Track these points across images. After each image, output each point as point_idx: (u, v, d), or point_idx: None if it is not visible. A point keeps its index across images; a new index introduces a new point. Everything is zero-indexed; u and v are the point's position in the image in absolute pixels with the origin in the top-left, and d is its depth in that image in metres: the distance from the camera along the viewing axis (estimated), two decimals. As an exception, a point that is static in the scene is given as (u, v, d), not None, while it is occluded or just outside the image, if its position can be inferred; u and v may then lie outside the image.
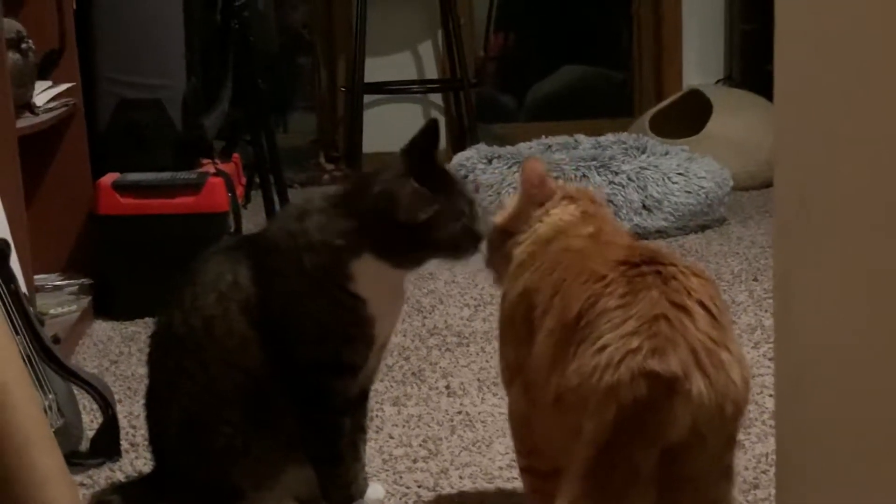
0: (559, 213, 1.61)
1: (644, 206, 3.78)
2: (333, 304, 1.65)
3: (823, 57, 1.20)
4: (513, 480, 1.93)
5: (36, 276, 2.89)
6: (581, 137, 4.43)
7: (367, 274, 1.64)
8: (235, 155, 3.58)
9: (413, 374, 2.51)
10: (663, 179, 3.83)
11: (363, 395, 1.78)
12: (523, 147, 4.35)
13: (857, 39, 1.14)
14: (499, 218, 1.69)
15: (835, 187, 1.18)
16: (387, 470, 2.01)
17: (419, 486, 1.94)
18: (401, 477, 1.98)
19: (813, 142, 1.22)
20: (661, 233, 3.79)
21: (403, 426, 2.21)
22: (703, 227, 3.89)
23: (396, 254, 1.65)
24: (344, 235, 1.63)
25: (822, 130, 1.20)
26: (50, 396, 2.01)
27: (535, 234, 1.61)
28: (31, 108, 2.77)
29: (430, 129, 1.68)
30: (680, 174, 3.87)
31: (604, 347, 1.29)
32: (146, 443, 1.86)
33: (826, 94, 1.20)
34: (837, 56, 1.18)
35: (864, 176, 1.13)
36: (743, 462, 1.95)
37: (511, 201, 1.70)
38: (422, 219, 1.62)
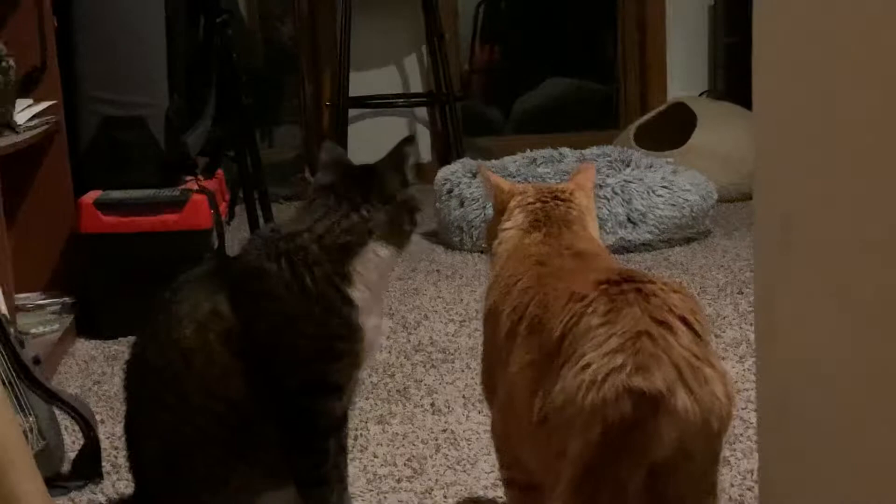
0: (510, 227, 1.67)
1: (629, 220, 3.78)
2: (328, 314, 1.65)
3: (802, 76, 1.20)
4: (498, 500, 1.92)
5: (18, 295, 2.88)
6: (566, 151, 4.43)
7: (366, 271, 1.67)
8: (219, 171, 3.57)
9: (398, 391, 2.50)
10: (648, 192, 3.83)
11: (344, 416, 1.78)
12: (508, 160, 4.34)
13: (837, 55, 1.14)
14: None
15: (815, 204, 1.18)
16: (371, 490, 2.00)
17: (404, 506, 1.93)
18: (385, 497, 1.97)
19: (793, 159, 1.22)
20: (646, 246, 3.79)
21: (388, 445, 2.20)
22: (687, 240, 3.89)
23: (398, 227, 1.71)
24: (350, 231, 1.67)
25: (801, 148, 1.20)
26: (31, 419, 2.00)
27: (497, 254, 1.67)
28: (13, 127, 2.76)
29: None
30: (664, 187, 3.87)
31: (587, 366, 1.29)
32: (128, 464, 1.85)
33: (805, 113, 1.20)
34: (817, 74, 1.18)
35: (845, 193, 1.13)
36: (728, 479, 1.94)
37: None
38: (411, 178, 1.75)
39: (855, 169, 1.11)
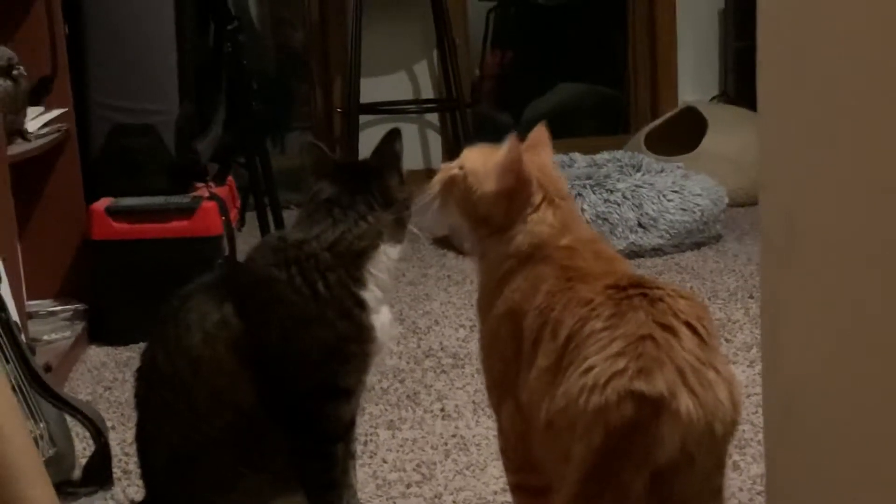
0: (538, 222, 1.56)
1: (640, 224, 3.77)
2: (341, 316, 1.67)
3: (807, 80, 1.20)
4: (507, 504, 1.92)
5: (29, 302, 2.89)
6: (576, 156, 4.43)
7: (379, 272, 1.70)
8: (230, 178, 3.57)
9: (408, 396, 2.51)
10: (658, 197, 3.82)
11: (352, 421, 1.78)
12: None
13: (841, 58, 1.13)
14: (474, 178, 1.60)
15: (819, 210, 1.18)
16: (381, 496, 2.00)
17: (413, 511, 1.93)
18: (395, 502, 1.97)
19: (798, 165, 1.22)
20: (656, 251, 3.79)
21: (398, 450, 2.20)
22: (698, 245, 3.88)
23: (402, 224, 1.74)
24: (362, 237, 1.69)
25: (806, 154, 1.20)
26: (41, 425, 2.00)
27: (513, 246, 1.56)
28: (24, 135, 2.77)
29: None
30: (675, 192, 3.86)
31: (590, 369, 1.29)
32: (139, 470, 1.85)
33: (810, 119, 1.19)
34: (821, 78, 1.18)
35: (850, 199, 1.12)
36: (737, 483, 1.94)
37: (481, 165, 1.61)
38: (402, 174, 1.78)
39: (860, 175, 1.11)
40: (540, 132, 1.69)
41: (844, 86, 1.13)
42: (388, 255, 1.71)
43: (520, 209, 1.57)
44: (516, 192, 1.57)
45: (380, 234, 1.70)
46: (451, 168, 1.64)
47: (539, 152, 1.65)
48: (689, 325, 1.30)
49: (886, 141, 1.06)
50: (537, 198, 1.57)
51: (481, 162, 1.61)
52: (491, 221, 1.59)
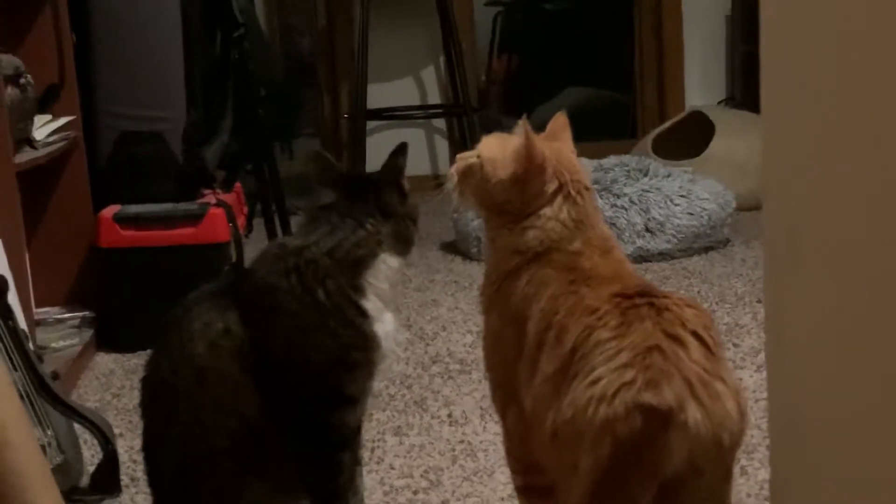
0: (551, 218, 1.53)
1: (647, 229, 3.77)
2: (343, 325, 1.66)
3: (809, 85, 1.20)
4: (514, 511, 1.92)
5: (37, 310, 2.90)
6: (583, 160, 4.37)
7: (378, 281, 1.69)
8: (237, 185, 3.58)
9: (415, 402, 2.51)
10: (666, 202, 3.82)
11: (358, 429, 1.78)
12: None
13: (844, 63, 1.13)
14: (490, 166, 1.58)
15: (823, 218, 1.18)
16: (388, 502, 2.00)
17: (420, 519, 1.93)
18: (402, 509, 1.97)
19: (800, 172, 1.22)
20: (664, 255, 3.78)
21: (405, 456, 2.20)
22: (706, 249, 3.88)
23: (404, 237, 1.73)
24: (360, 244, 1.68)
25: (809, 160, 1.20)
26: (49, 433, 2.01)
27: (524, 241, 1.53)
28: (31, 143, 2.78)
29: None
30: (682, 196, 3.86)
31: (597, 380, 1.28)
32: (146, 478, 1.85)
33: (812, 126, 1.19)
34: (823, 84, 1.17)
35: (853, 207, 1.12)
36: (745, 489, 1.94)
37: (498, 152, 1.59)
38: (408, 187, 1.77)
39: (863, 183, 1.10)
40: (560, 120, 1.67)
41: (847, 92, 1.12)
42: (387, 264, 1.70)
43: (534, 197, 1.54)
44: (529, 177, 1.54)
45: (379, 243, 1.69)
46: (469, 157, 1.63)
47: (558, 140, 1.63)
48: (696, 335, 1.30)
49: (888, 148, 1.05)
50: (551, 186, 1.54)
51: (498, 149, 1.60)
52: (506, 210, 1.57)
